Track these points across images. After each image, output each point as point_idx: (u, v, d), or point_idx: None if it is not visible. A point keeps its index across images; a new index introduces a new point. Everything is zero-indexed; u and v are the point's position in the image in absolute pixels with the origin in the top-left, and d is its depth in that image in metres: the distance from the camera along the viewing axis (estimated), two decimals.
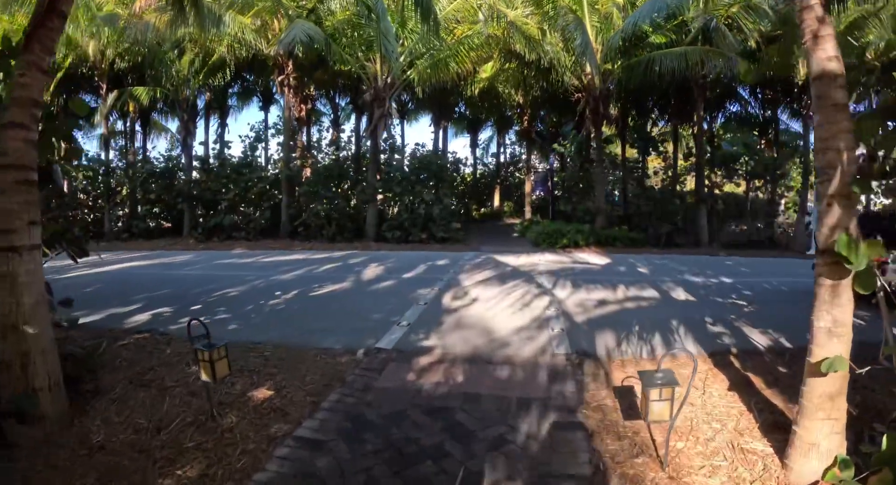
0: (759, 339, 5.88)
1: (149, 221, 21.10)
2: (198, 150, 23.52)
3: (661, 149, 19.21)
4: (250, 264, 12.84)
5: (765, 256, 15.98)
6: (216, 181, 20.50)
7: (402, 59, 16.74)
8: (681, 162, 21.62)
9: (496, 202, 29.54)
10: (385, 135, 20.12)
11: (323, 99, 29.22)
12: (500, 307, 7.49)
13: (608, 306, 7.70)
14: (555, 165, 21.42)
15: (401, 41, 16.93)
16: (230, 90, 26.70)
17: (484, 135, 37.96)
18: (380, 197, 18.63)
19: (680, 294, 8.88)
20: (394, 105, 19.02)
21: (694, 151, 19.80)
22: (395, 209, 18.74)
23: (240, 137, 20.82)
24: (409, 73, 16.93)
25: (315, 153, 21.67)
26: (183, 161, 21.68)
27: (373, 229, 17.52)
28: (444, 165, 18.14)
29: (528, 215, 23.66)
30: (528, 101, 21.91)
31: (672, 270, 11.98)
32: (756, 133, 25.11)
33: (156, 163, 22.26)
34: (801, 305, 7.83)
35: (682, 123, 21.17)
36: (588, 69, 16.41)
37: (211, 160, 22.50)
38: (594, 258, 13.77)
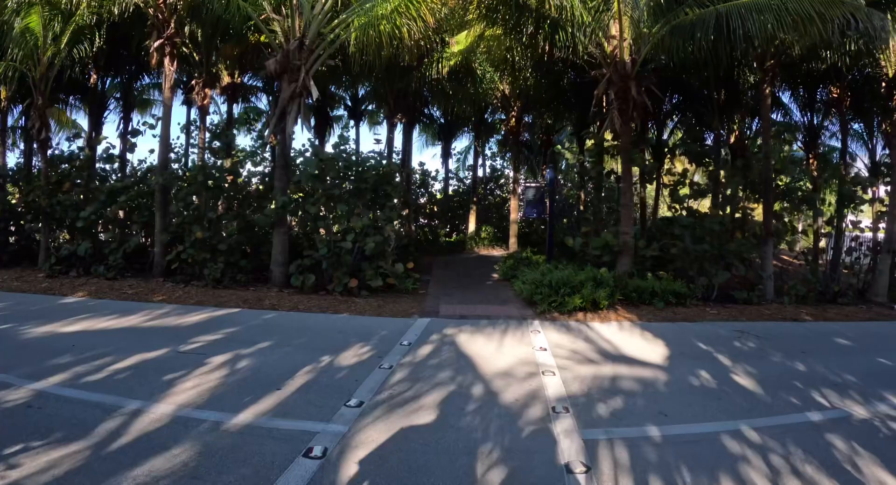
0: None
1: None
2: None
3: (707, 162, 13.49)
4: (26, 342, 7.03)
5: (860, 319, 10.65)
6: (74, 192, 14.57)
7: (327, 5, 10.96)
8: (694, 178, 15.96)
9: (471, 226, 23.68)
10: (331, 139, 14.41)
11: (262, 94, 23.65)
12: None
13: None
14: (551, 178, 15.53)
15: None
16: (145, 80, 20.94)
17: (460, 145, 32.50)
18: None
19: None
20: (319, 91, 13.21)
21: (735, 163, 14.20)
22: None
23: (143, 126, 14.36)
24: (336, 30, 11.15)
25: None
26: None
27: (280, 269, 11.64)
28: (388, 173, 12.20)
29: (512, 245, 17.85)
30: (517, 90, 16.25)
31: (792, 375, 6.45)
32: (800, 147, 20.01)
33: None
34: None
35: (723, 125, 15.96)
36: (614, 29, 10.75)
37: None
38: (635, 341, 8.02)
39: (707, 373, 6.35)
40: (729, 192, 13.17)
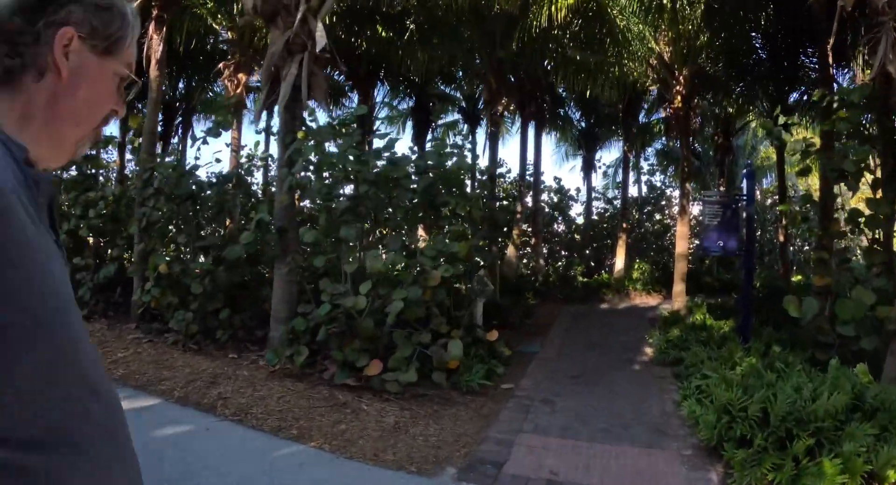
0: None
1: None
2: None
3: None
4: None
5: None
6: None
7: None
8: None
9: (619, 261, 18.05)
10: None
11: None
12: None
13: None
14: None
15: None
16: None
17: (608, 157, 27.32)
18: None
19: None
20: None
21: None
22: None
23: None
24: None
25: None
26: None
27: (280, 330, 7.33)
28: (455, 175, 7.46)
29: (677, 293, 12.08)
30: (683, 51, 10.70)
31: None
32: None
33: None
34: None
35: None
36: None
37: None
38: None
39: None
40: None
